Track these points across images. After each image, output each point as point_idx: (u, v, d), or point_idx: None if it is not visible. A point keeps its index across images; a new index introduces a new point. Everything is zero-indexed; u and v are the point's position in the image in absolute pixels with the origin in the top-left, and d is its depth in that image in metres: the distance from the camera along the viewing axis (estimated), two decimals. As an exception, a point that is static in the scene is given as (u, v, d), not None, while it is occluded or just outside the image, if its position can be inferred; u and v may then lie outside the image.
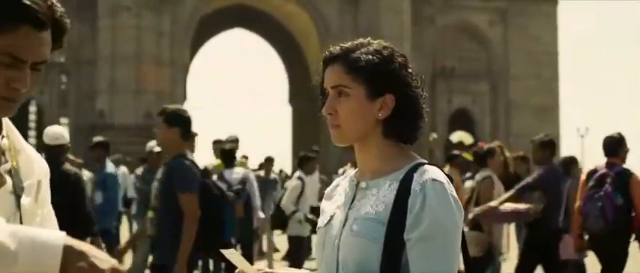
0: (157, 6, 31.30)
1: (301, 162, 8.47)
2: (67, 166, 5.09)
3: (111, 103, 30.20)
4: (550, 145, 6.51)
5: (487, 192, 6.37)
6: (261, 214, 8.26)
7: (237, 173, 7.57)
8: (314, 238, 1.89)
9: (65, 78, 31.89)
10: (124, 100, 30.22)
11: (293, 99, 41.60)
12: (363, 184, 1.56)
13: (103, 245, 5.50)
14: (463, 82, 36.57)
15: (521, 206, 6.18)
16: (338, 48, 1.58)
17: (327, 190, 1.70)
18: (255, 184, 7.96)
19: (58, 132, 5.26)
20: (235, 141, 8.47)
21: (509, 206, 6.17)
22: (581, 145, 42.36)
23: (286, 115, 41.48)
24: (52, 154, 4.89)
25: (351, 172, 1.67)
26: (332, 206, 1.62)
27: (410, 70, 1.58)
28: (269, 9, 37.25)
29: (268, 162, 11.22)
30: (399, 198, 1.47)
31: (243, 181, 7.48)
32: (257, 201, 7.92)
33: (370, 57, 1.53)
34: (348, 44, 1.59)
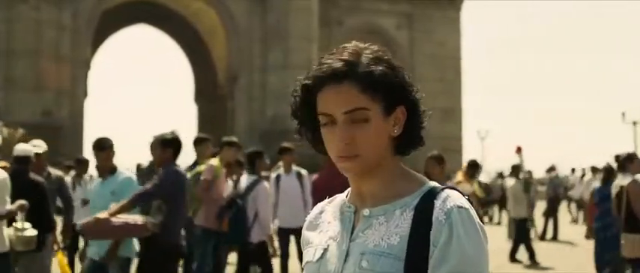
0: (58, -2, 30.08)
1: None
2: (32, 175, 5.87)
3: (7, 100, 28.79)
4: (171, 144, 5.42)
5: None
6: None
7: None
8: None
9: (-44, 72, 30.13)
10: (22, 97, 28.87)
11: (198, 97, 41.02)
12: (365, 212, 1.34)
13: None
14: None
15: (135, 218, 5.20)
16: (339, 63, 1.30)
17: (310, 218, 1.47)
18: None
19: (25, 148, 5.98)
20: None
21: (120, 219, 5.12)
22: (481, 147, 43.87)
23: (192, 114, 40.82)
24: (19, 165, 5.82)
25: (341, 196, 1.44)
26: (322, 237, 1.39)
27: (406, 72, 1.38)
28: (175, 6, 36.55)
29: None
30: (417, 229, 1.26)
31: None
32: None
33: (381, 68, 1.31)
34: (345, 56, 1.32)
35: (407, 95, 1.34)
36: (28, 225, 5.36)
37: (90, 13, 31.58)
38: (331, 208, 1.44)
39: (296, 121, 1.38)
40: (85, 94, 32.40)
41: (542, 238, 15.43)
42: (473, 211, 1.28)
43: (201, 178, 6.94)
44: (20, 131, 9.08)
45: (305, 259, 1.42)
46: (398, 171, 1.36)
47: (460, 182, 9.40)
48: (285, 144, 8.14)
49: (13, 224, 5.34)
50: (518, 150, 11.72)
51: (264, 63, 33.01)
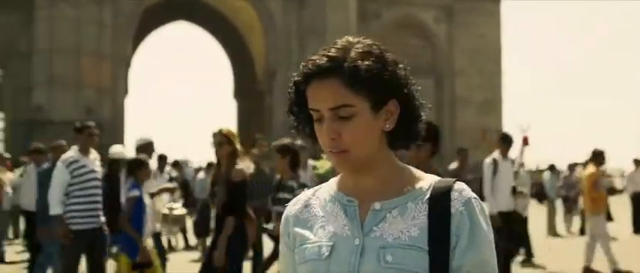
0: (98, -3, 30.46)
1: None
2: None
3: (49, 98, 29.28)
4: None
5: None
6: None
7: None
8: None
9: (0, 71, 30.76)
10: (64, 94, 29.33)
11: (238, 94, 41.23)
12: (376, 206, 1.32)
13: None
14: (408, 78, 36.76)
15: None
16: (324, 59, 1.30)
17: (293, 212, 1.41)
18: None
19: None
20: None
21: None
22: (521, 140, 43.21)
23: (232, 111, 41.08)
24: None
25: (327, 189, 1.40)
26: (321, 232, 1.34)
27: (401, 65, 1.36)
28: (214, 3, 36.76)
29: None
30: (437, 220, 1.27)
31: None
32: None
33: (367, 63, 1.29)
34: (332, 52, 1.32)
35: (400, 89, 1.33)
36: (177, 205, 6.06)
37: (130, 10, 31.92)
38: (318, 201, 1.39)
39: (292, 116, 1.37)
40: (125, 92, 32.77)
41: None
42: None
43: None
44: None
45: (304, 257, 1.34)
46: (396, 165, 1.36)
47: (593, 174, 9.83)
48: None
49: (165, 205, 6.01)
50: (525, 141, 10.86)
51: (301, 59, 32.83)
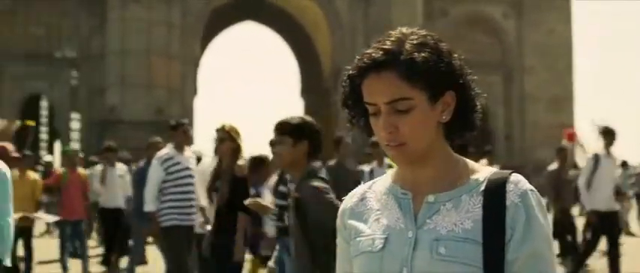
0: (167, -2, 31.10)
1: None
2: None
3: (122, 99, 30.07)
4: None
5: None
6: None
7: None
8: None
9: (76, 73, 31.75)
10: (135, 95, 30.07)
11: (304, 92, 41.43)
12: (430, 198, 1.30)
13: None
14: (476, 75, 35.98)
15: None
16: (379, 52, 1.28)
17: (350, 205, 1.40)
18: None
19: None
20: None
21: None
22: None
23: (299, 109, 41.31)
24: None
25: (383, 182, 1.39)
26: (376, 225, 1.33)
27: (456, 55, 1.32)
28: (281, 2, 37.03)
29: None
30: (491, 213, 1.24)
31: None
32: None
33: (423, 55, 1.28)
34: (387, 44, 1.30)
35: (456, 79, 1.31)
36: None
37: (199, 11, 32.46)
38: (374, 194, 1.38)
39: (346, 110, 1.36)
40: (194, 92, 33.35)
41: None
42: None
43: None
44: (17, 123, 9.48)
45: (358, 249, 1.34)
46: (450, 156, 1.34)
47: None
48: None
49: None
50: (571, 137, 10.08)
51: (367, 56, 32.94)
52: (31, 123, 9.45)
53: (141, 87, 30.19)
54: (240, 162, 5.66)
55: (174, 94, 31.11)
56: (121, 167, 10.54)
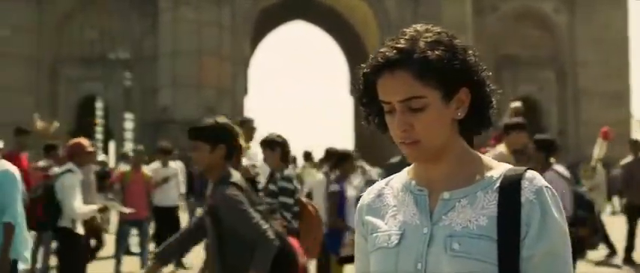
0: (217, -1, 31.46)
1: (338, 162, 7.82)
2: None
3: (173, 99, 30.54)
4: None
5: None
6: None
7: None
8: None
9: (129, 74, 32.37)
10: (186, 95, 30.51)
11: (354, 91, 41.29)
12: (445, 195, 1.31)
13: None
14: (528, 70, 35.68)
15: None
16: (393, 51, 1.28)
17: (366, 201, 1.41)
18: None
19: None
20: None
21: None
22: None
23: (348, 107, 41.30)
24: None
25: (399, 178, 1.40)
26: (392, 222, 1.35)
27: (470, 52, 1.31)
28: (330, 1, 37.08)
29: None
30: (506, 209, 1.24)
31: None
32: None
33: (437, 53, 1.27)
34: (400, 43, 1.29)
35: (471, 76, 1.30)
36: None
37: (248, 11, 32.75)
38: (391, 190, 1.38)
39: (362, 108, 1.36)
40: (245, 91, 33.66)
41: None
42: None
43: None
44: (55, 124, 9.65)
45: (374, 244, 1.35)
46: (465, 152, 1.34)
47: None
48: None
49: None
50: (605, 135, 9.53)
51: (417, 53, 32.77)
52: (97, 121, 9.73)
53: (192, 87, 30.61)
54: (245, 163, 5.40)
55: (224, 94, 31.45)
56: (174, 166, 10.70)
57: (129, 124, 33.19)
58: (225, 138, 3.28)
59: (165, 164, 10.40)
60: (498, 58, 35.63)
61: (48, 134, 10.33)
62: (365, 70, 1.33)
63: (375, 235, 1.36)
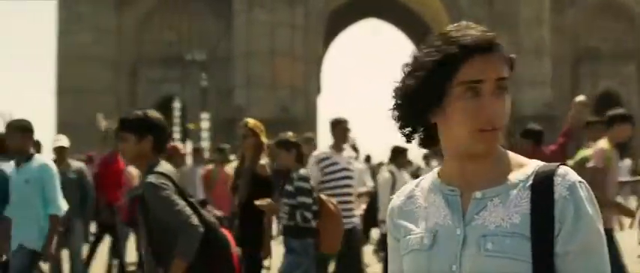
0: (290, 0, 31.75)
1: (394, 155, 7.65)
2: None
3: (248, 98, 31.00)
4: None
5: None
6: None
7: None
8: None
9: (205, 75, 33.05)
10: (260, 94, 30.93)
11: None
12: (477, 194, 1.28)
13: None
14: (609, 64, 34.57)
15: None
16: (487, 34, 1.29)
17: (397, 204, 1.39)
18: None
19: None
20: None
21: None
22: None
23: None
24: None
25: (429, 179, 1.37)
26: (424, 223, 1.32)
27: None
28: (402, -2, 36.91)
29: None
30: (539, 206, 1.22)
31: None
32: None
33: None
34: (481, 31, 1.29)
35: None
36: None
37: (320, 11, 32.92)
38: (421, 192, 1.36)
39: (403, 114, 1.31)
40: (317, 90, 33.84)
41: None
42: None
43: (589, 164, 5.37)
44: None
45: (407, 247, 1.33)
46: (500, 150, 1.32)
47: None
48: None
49: None
50: None
51: (492, 49, 32.22)
52: (191, 126, 9.88)
53: (266, 87, 31.01)
54: (263, 161, 5.38)
55: (297, 93, 31.72)
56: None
57: (205, 124, 33.93)
58: (152, 130, 3.29)
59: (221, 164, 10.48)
60: (578, 52, 34.66)
61: (112, 133, 10.62)
62: (451, 51, 1.26)
63: (407, 237, 1.34)
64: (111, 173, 8.47)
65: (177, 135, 34.05)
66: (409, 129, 1.33)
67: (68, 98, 33.30)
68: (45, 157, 4.82)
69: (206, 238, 3.13)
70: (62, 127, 27.50)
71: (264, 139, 5.39)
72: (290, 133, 5.47)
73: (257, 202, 5.02)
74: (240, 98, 31.40)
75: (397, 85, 1.33)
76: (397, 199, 1.41)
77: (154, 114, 3.34)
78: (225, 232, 3.34)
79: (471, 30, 1.29)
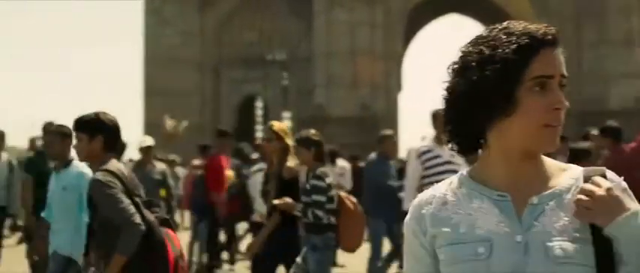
0: (370, -2, 31.74)
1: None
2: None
3: (328, 97, 31.19)
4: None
5: None
6: None
7: None
8: None
9: (286, 74, 33.45)
10: (341, 93, 31.06)
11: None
12: (534, 200, 1.24)
13: None
14: None
15: None
16: (552, 29, 1.29)
17: (429, 211, 1.30)
18: None
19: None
20: None
21: None
22: None
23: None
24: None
25: (462, 183, 1.30)
26: (469, 231, 1.24)
27: None
28: (484, -8, 36.26)
29: None
30: None
31: None
32: None
33: None
34: (545, 26, 1.30)
35: None
36: None
37: (400, 9, 32.76)
38: (456, 197, 1.28)
39: (459, 115, 1.27)
40: (398, 88, 33.69)
41: None
42: None
43: None
44: (183, 123, 9.84)
45: (455, 257, 1.24)
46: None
47: None
48: None
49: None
50: None
51: (576, 43, 31.21)
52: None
53: (346, 86, 31.11)
54: (291, 163, 5.33)
55: (378, 91, 31.67)
56: (341, 165, 10.80)
57: (287, 123, 34.37)
58: (103, 130, 3.44)
59: (333, 163, 10.55)
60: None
61: (177, 133, 10.86)
62: (523, 42, 1.24)
63: (452, 246, 1.26)
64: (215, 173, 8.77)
65: (259, 134, 34.61)
66: (464, 131, 1.27)
67: (156, 99, 34.32)
68: (83, 165, 4.73)
69: (146, 237, 3.25)
70: (149, 128, 28.36)
71: (289, 142, 5.37)
72: (312, 131, 5.42)
73: (275, 202, 5.05)
74: (321, 97, 31.61)
75: (450, 84, 1.29)
76: (427, 205, 1.31)
77: (105, 116, 3.51)
78: (170, 232, 3.43)
79: (529, 24, 1.29)
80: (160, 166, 8.15)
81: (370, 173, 8.11)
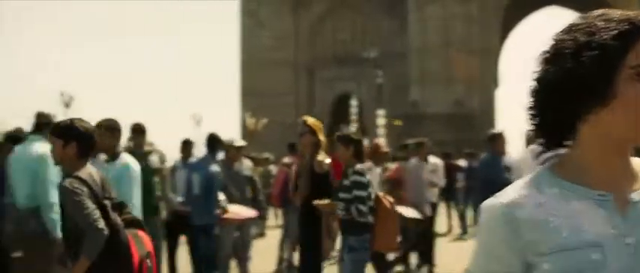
0: (465, -7, 31.25)
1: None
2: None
3: (423, 94, 30.92)
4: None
5: None
6: None
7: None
8: None
9: (380, 72, 33.39)
10: (435, 89, 30.71)
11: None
12: (634, 197, 1.18)
13: None
14: None
15: None
16: None
17: (523, 215, 1.19)
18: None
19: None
20: None
21: None
22: None
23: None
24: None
25: (552, 183, 1.22)
26: (576, 235, 1.16)
27: None
28: (584, -17, 35.01)
29: None
30: None
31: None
32: None
33: None
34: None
35: None
36: None
37: (497, 2, 32.05)
38: (549, 199, 1.19)
39: (552, 106, 1.19)
40: (495, 84, 32.98)
41: None
42: None
43: None
44: (262, 121, 9.89)
45: (567, 266, 1.15)
46: None
47: None
48: None
49: None
50: None
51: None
52: (397, 122, 9.98)
53: (441, 82, 30.74)
54: (321, 157, 5.40)
55: (473, 87, 31.13)
56: (433, 162, 10.57)
57: (381, 120, 34.24)
58: (76, 137, 3.53)
59: (424, 160, 10.32)
60: None
61: (256, 130, 11.03)
62: (625, 28, 1.17)
63: (560, 254, 1.17)
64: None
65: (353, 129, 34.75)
66: (554, 123, 1.21)
67: (252, 100, 35.03)
68: (129, 158, 4.87)
69: (110, 240, 3.39)
70: (246, 128, 28.96)
71: (321, 137, 5.45)
72: (352, 130, 5.53)
73: (315, 202, 5.08)
74: (416, 94, 31.38)
75: (540, 74, 1.21)
76: (521, 209, 1.21)
77: (80, 123, 3.62)
78: (139, 233, 3.55)
79: (628, 12, 1.21)
80: (248, 163, 8.32)
81: (484, 172, 8.17)
